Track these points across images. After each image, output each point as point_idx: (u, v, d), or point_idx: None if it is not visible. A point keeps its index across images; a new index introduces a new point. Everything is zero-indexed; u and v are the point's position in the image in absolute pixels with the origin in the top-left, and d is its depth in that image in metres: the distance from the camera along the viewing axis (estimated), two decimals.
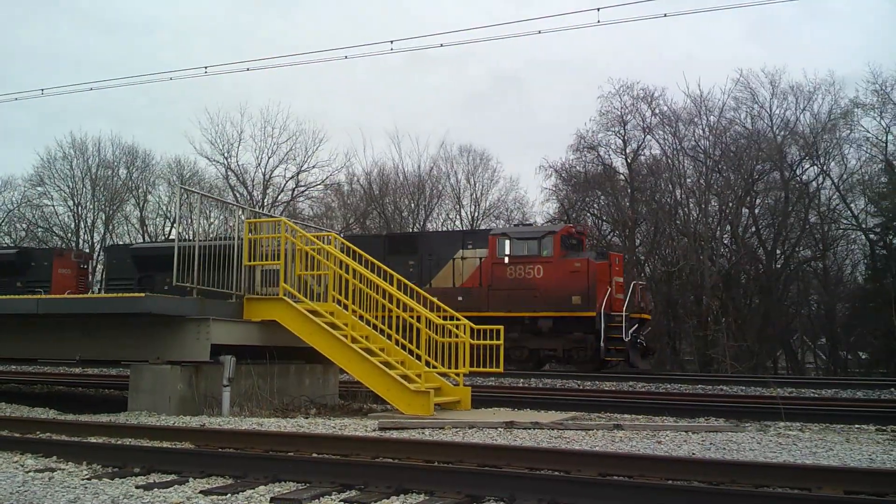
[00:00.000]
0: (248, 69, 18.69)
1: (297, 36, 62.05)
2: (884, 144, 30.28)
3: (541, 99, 57.40)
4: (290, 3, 65.74)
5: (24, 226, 43.07)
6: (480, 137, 76.46)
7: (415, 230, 34.71)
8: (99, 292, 23.81)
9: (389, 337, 11.26)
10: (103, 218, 42.42)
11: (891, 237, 29.94)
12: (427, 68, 60.55)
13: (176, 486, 5.31)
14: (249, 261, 11.24)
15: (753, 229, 32.32)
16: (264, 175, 39.23)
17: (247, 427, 8.00)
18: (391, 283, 11.52)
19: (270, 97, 53.66)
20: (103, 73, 58.61)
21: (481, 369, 11.69)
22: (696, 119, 32.70)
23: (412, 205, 38.83)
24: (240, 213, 12.05)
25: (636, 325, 18.32)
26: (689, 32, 53.10)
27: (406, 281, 12.02)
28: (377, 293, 11.39)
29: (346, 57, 18.10)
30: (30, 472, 5.80)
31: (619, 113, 34.08)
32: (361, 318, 11.36)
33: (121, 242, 37.83)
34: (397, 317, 11.14)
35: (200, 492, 5.09)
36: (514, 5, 58.69)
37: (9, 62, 59.84)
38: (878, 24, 45.98)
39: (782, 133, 31.68)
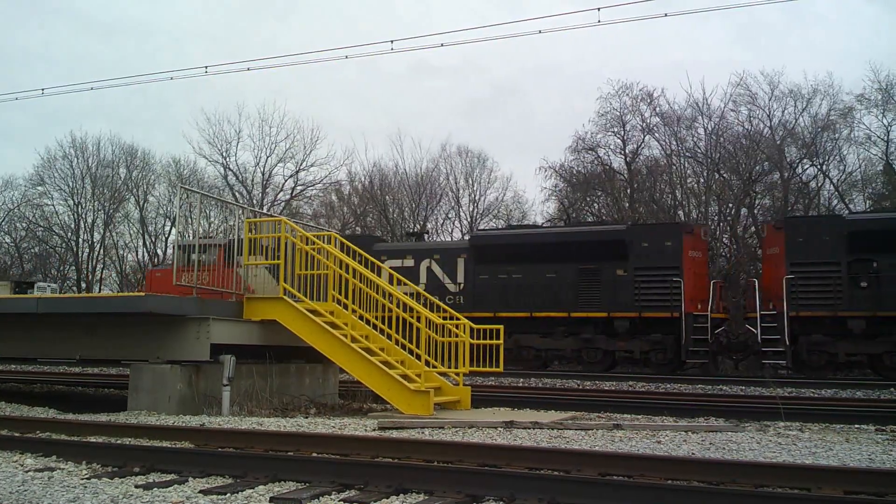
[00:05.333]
0: (248, 69, 18.72)
1: (294, 41, 62.11)
2: (885, 143, 30.33)
3: (539, 102, 57.54)
4: (287, 9, 65.72)
5: (24, 225, 43.13)
6: (480, 140, 76.58)
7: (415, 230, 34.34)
8: None
9: (389, 337, 11.26)
10: (103, 217, 42.48)
11: None
12: (428, 77, 60.46)
13: (176, 485, 5.30)
14: (249, 260, 11.26)
15: (753, 229, 32.32)
16: (263, 174, 39.29)
17: (247, 427, 7.99)
18: (391, 283, 11.53)
19: (267, 97, 53.74)
20: (102, 75, 58.72)
21: (482, 369, 11.68)
22: (696, 121, 32.76)
23: (413, 204, 38.87)
24: (240, 212, 12.06)
25: None
26: (682, 37, 53.12)
27: (406, 280, 12.00)
28: (377, 292, 11.39)
29: (346, 56, 18.16)
30: (29, 471, 5.79)
31: (619, 113, 34.12)
32: (361, 317, 11.36)
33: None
34: (397, 316, 11.14)
35: (200, 491, 5.08)
36: (514, 6, 58.71)
37: (8, 63, 59.91)
38: (865, 28, 46.08)
39: (781, 132, 31.70)
